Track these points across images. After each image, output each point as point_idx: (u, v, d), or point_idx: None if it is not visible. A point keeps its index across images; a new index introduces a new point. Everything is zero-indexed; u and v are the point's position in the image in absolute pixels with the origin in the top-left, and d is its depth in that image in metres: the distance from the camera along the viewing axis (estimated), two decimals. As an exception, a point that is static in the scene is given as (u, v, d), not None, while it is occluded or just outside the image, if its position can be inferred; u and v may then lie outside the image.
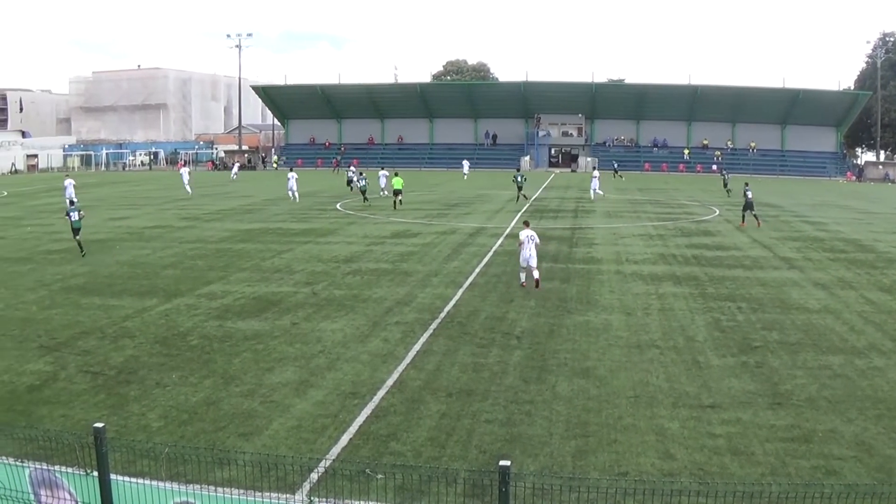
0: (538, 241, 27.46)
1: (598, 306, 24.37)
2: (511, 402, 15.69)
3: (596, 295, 26.10)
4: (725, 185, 68.54)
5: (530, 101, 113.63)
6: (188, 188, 67.56)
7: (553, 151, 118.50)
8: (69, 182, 58.40)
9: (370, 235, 40.70)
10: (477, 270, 30.45)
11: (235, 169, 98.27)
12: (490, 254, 33.93)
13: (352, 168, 77.72)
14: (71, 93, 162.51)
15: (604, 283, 28.28)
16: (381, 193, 64.09)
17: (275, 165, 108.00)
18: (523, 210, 53.58)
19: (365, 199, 58.63)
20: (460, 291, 26.61)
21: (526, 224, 28.88)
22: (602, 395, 16.18)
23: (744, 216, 46.12)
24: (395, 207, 54.44)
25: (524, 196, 60.79)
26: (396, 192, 56.09)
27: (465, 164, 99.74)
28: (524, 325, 22.01)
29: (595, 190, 64.40)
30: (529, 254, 26.63)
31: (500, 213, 51.34)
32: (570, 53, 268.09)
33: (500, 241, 37.65)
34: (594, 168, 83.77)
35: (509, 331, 21.42)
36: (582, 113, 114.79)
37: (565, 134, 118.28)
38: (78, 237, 34.80)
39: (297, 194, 61.28)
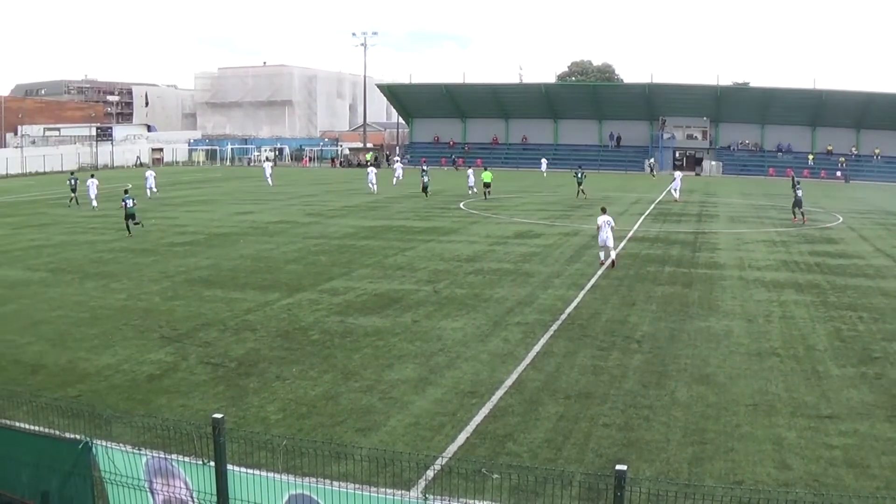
0: (614, 224, 31.99)
1: (720, 312, 24.03)
2: (629, 407, 15.60)
3: (718, 300, 25.74)
4: (794, 186, 68.20)
5: (655, 103, 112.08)
6: (269, 181, 76.88)
7: (677, 154, 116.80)
8: (150, 174, 64.30)
9: (492, 235, 40.83)
10: (599, 273, 30.27)
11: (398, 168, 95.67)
12: (612, 256, 33.69)
13: (398, 164, 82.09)
14: (196, 88, 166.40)
15: (726, 288, 27.84)
16: (470, 192, 66.18)
17: (368, 162, 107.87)
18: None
19: (426, 195, 63.19)
20: (582, 293, 26.51)
21: (603, 210, 32.89)
22: (721, 402, 15.97)
23: (794, 212, 49.28)
24: (485, 197, 60.47)
25: (583, 192, 64.34)
26: (486, 185, 62.02)
27: (544, 162, 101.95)
28: (645, 329, 21.82)
29: (675, 190, 64.33)
30: (606, 236, 31.21)
31: (624, 215, 50.60)
32: (695, 55, 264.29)
33: (623, 244, 36.87)
34: (675, 169, 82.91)
35: (630, 334, 21.27)
36: (706, 116, 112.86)
37: (689, 137, 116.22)
38: (136, 221, 38.36)
39: (375, 187, 67.44)
